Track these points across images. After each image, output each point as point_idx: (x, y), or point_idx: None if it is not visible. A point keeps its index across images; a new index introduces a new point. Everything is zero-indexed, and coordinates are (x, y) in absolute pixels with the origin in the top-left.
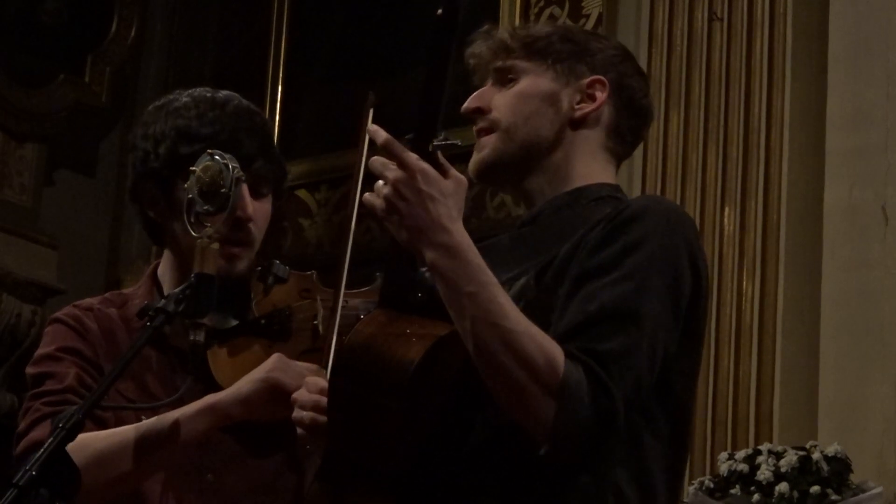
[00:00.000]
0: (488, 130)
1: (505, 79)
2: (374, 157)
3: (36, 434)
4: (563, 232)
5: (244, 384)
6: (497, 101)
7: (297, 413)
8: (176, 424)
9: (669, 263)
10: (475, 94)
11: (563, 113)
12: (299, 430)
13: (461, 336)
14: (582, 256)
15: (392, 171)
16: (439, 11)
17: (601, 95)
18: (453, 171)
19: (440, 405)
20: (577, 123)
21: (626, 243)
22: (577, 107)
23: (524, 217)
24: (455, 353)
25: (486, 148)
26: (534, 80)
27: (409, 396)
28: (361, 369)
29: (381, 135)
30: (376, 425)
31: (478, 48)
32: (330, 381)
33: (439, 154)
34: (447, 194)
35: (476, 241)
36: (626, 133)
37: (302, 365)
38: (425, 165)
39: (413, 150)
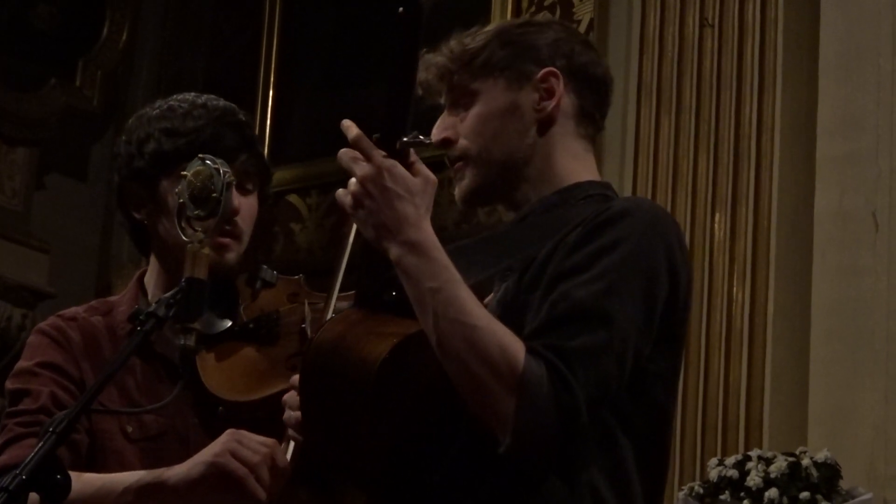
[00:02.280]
0: (461, 158)
1: (459, 102)
2: (343, 150)
3: (5, 458)
4: (548, 231)
5: (193, 466)
6: (461, 127)
7: (287, 414)
8: (127, 490)
9: (644, 266)
10: (438, 124)
11: (527, 118)
12: (290, 432)
13: (426, 333)
14: (559, 257)
15: (360, 167)
16: (401, 9)
17: (558, 87)
18: (422, 169)
19: (413, 402)
20: (545, 122)
21: (601, 244)
22: (538, 107)
23: (515, 216)
24: (428, 352)
25: (465, 178)
26: (488, 98)
27: (376, 393)
28: (330, 367)
29: (353, 130)
30: (347, 423)
31: (423, 76)
32: (300, 380)
33: (412, 152)
34: (414, 192)
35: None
36: (594, 111)
37: (258, 438)
38: (392, 163)
39: (381, 147)
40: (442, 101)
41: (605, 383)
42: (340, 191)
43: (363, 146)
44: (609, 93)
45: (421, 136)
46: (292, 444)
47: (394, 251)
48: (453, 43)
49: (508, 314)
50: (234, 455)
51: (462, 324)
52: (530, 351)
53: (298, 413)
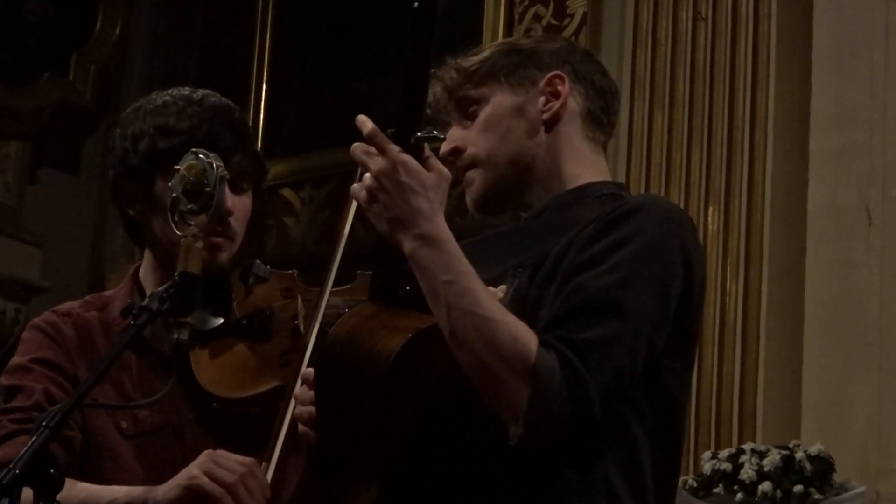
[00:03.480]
0: (471, 166)
1: (467, 112)
2: (358, 145)
3: None
4: (562, 228)
5: (170, 489)
6: (469, 136)
7: (298, 409)
8: None
9: (659, 259)
10: (447, 136)
11: (533, 120)
12: (301, 427)
13: (439, 325)
14: (573, 252)
15: (375, 162)
16: (416, 4)
17: (563, 88)
18: (436, 164)
19: (427, 396)
20: (551, 124)
21: (616, 238)
22: (544, 108)
23: (528, 212)
24: (441, 345)
25: (474, 182)
26: (494, 103)
27: (390, 386)
28: (344, 361)
29: (368, 125)
30: (361, 416)
31: (430, 94)
32: (315, 374)
33: (425, 146)
34: (428, 186)
35: (458, 238)
36: (601, 115)
37: (235, 457)
38: (406, 157)
39: (396, 142)
40: (451, 118)
41: (617, 375)
42: (355, 185)
43: (378, 141)
44: (615, 102)
45: (435, 132)
46: (273, 462)
47: (408, 244)
48: (459, 59)
49: (521, 310)
50: (210, 476)
51: (475, 315)
52: (543, 343)
53: (310, 408)
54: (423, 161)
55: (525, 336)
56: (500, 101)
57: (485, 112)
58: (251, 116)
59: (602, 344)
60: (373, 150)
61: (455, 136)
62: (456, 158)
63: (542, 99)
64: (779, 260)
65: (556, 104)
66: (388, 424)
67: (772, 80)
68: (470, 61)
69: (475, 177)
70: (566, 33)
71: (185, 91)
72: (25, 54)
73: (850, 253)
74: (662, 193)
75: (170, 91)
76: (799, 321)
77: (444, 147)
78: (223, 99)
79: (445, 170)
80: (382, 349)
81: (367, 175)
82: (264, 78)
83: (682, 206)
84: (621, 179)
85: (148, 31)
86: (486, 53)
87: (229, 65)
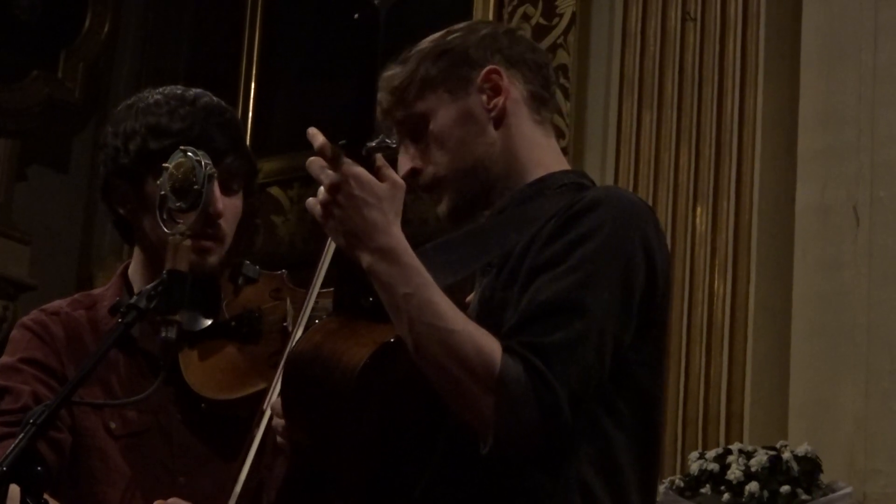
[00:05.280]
0: (433, 185)
1: (415, 129)
2: (311, 159)
3: None
4: (524, 224)
5: None
6: (424, 154)
7: (275, 420)
8: None
9: (620, 254)
10: (400, 159)
11: (482, 121)
12: (278, 438)
13: (403, 338)
14: (535, 250)
15: (327, 175)
16: (356, 15)
17: (502, 82)
18: (390, 174)
19: (394, 409)
20: (500, 120)
21: (575, 235)
22: (489, 107)
23: (491, 210)
24: (407, 356)
25: (442, 198)
26: (439, 116)
27: (357, 401)
28: (309, 378)
29: (318, 139)
30: (330, 433)
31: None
32: (282, 392)
33: (379, 157)
34: (382, 198)
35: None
36: (542, 92)
37: None
38: (358, 170)
39: (347, 154)
40: (393, 139)
41: (585, 376)
42: (311, 200)
43: (328, 154)
44: (551, 72)
45: (387, 140)
46: None
47: (365, 259)
48: (387, 75)
49: (489, 311)
50: None
51: (437, 328)
52: (507, 350)
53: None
54: (375, 171)
55: (489, 345)
56: (443, 112)
57: (432, 127)
58: (240, 114)
59: (567, 346)
60: (325, 163)
61: (408, 157)
62: (416, 180)
63: (484, 97)
64: (767, 260)
65: (501, 99)
66: (358, 440)
67: (760, 80)
68: (398, 78)
69: (442, 196)
70: (555, 33)
71: (178, 90)
72: (14, 51)
73: (838, 253)
74: (651, 193)
75: (162, 89)
76: (786, 321)
77: (403, 171)
78: (216, 99)
79: (399, 179)
80: (347, 364)
81: (320, 189)
82: (253, 76)
83: (670, 205)
84: (609, 179)
85: (137, 28)
86: (412, 64)
87: (218, 62)
